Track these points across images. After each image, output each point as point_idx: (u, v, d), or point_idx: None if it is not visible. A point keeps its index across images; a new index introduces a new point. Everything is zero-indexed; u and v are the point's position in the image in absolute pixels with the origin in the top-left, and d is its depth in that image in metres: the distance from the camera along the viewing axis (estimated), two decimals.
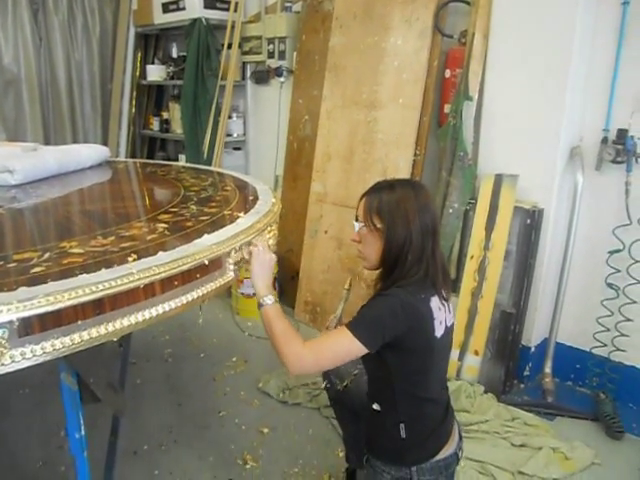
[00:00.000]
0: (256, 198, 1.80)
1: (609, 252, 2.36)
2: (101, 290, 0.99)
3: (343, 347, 1.26)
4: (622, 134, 2.26)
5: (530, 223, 2.41)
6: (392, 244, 1.34)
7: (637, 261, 2.29)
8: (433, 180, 2.76)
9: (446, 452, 1.40)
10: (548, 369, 2.56)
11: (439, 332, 1.33)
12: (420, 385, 1.33)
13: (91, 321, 0.99)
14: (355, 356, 1.28)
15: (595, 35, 2.32)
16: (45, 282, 0.97)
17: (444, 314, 1.37)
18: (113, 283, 1.01)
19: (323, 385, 1.79)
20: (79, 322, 0.97)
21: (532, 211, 2.41)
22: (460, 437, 1.48)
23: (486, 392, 2.45)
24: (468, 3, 2.56)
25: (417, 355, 1.30)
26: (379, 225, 1.36)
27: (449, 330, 1.40)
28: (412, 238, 1.32)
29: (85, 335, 0.98)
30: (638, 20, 2.20)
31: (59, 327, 0.95)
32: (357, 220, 1.42)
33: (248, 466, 2.05)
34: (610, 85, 2.30)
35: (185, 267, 1.15)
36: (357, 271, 2.95)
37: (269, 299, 1.41)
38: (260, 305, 1.41)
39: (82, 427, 1.27)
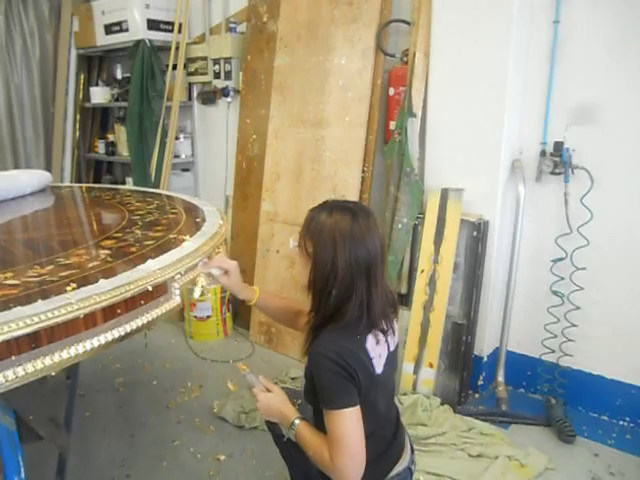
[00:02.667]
0: (203, 220, 1.77)
1: (553, 260, 2.45)
2: (37, 323, 0.94)
3: (349, 424, 1.20)
4: (558, 146, 2.36)
5: (476, 235, 2.47)
6: (317, 273, 1.27)
7: (579, 268, 2.37)
8: (382, 196, 2.80)
9: (399, 468, 1.39)
10: (501, 378, 2.61)
11: (379, 368, 1.30)
12: (368, 418, 1.27)
13: (26, 356, 0.94)
14: (360, 417, 1.22)
15: (529, 52, 2.42)
16: None
17: (384, 345, 1.32)
18: (50, 315, 0.96)
19: (266, 425, 1.64)
20: (13, 357, 0.92)
21: (478, 223, 2.47)
22: (412, 450, 1.48)
23: (442, 404, 2.47)
24: (408, 23, 2.63)
25: (362, 395, 1.24)
26: (309, 249, 1.29)
27: (392, 354, 1.37)
28: (337, 273, 1.23)
29: (20, 371, 0.93)
30: (569, 38, 2.31)
31: None
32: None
33: None
34: (545, 100, 2.40)
35: (128, 294, 1.11)
36: None
37: (293, 425, 1.33)
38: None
39: (22, 470, 1.20)
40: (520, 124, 2.49)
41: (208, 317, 3.30)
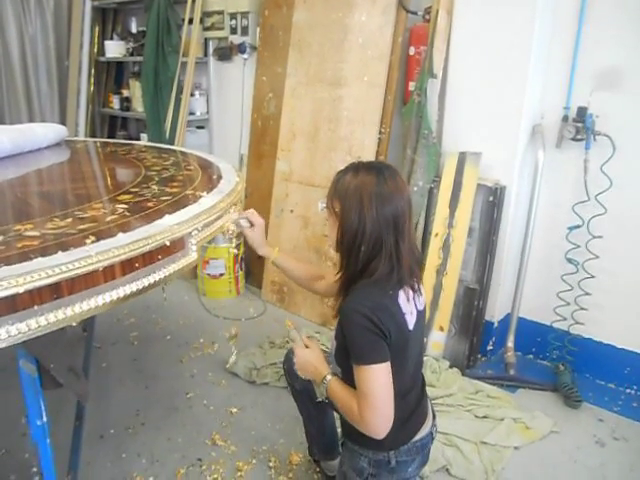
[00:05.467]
0: (219, 177, 1.77)
1: (569, 228, 2.42)
2: (58, 274, 0.96)
3: (378, 380, 1.23)
4: (582, 112, 2.30)
5: (493, 200, 2.45)
6: (345, 231, 1.30)
7: (595, 237, 2.35)
8: (398, 158, 2.77)
9: (422, 432, 1.42)
10: (510, 343, 2.63)
11: (411, 324, 1.32)
12: (397, 375, 1.29)
13: (48, 306, 0.96)
14: (390, 374, 1.25)
15: (556, 14, 2.34)
16: None
17: (413, 303, 1.34)
18: (70, 266, 0.98)
19: (286, 379, 1.76)
20: (35, 307, 0.94)
21: (494, 188, 2.45)
22: (434, 416, 1.51)
23: (451, 367, 2.50)
24: None
25: (394, 351, 1.26)
26: (337, 209, 1.32)
27: (421, 314, 1.39)
28: (365, 228, 1.26)
29: (42, 320, 0.95)
30: (598, 0, 2.23)
31: (14, 313, 0.92)
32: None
33: (217, 446, 2.05)
34: (571, 63, 2.33)
35: (146, 249, 1.12)
36: (323, 250, 2.95)
37: (325, 380, 1.38)
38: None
39: (44, 414, 1.24)
40: (543, 88, 2.43)
41: (221, 275, 3.33)
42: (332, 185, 1.36)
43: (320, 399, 1.43)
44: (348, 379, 1.32)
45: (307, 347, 1.47)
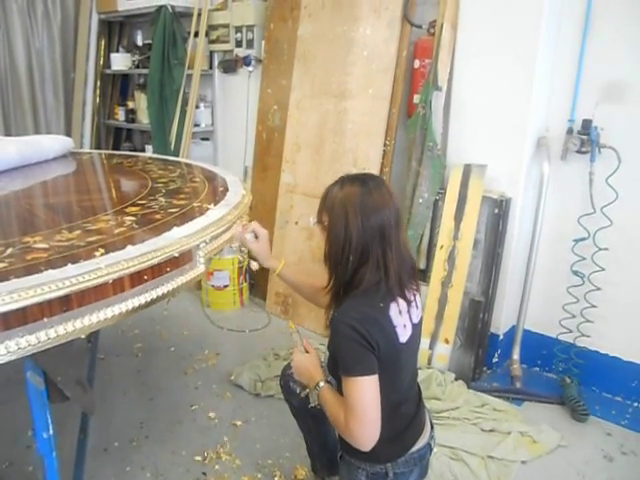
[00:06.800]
0: (226, 189, 1.78)
1: (574, 240, 2.42)
2: (68, 286, 0.96)
3: (365, 392, 1.22)
4: (587, 125, 2.31)
5: (498, 212, 2.45)
6: (332, 243, 1.32)
7: (601, 249, 2.35)
8: (403, 170, 2.78)
9: (419, 444, 1.41)
10: (516, 356, 2.61)
11: (404, 337, 1.31)
12: (391, 388, 1.29)
13: (58, 318, 0.97)
14: (377, 387, 1.24)
15: (561, 27, 2.35)
16: (8, 279, 0.94)
17: (407, 315, 1.33)
18: (80, 279, 0.98)
19: (284, 396, 1.75)
20: (45, 320, 0.94)
21: (500, 200, 2.45)
22: (432, 427, 1.50)
23: (456, 379, 2.49)
24: None
25: (385, 364, 1.26)
26: (325, 223, 1.35)
27: (416, 326, 1.38)
28: (352, 240, 1.27)
29: (52, 333, 0.96)
30: (603, 13, 2.24)
31: (24, 325, 0.92)
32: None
33: (221, 460, 2.03)
34: (575, 76, 2.34)
35: (155, 261, 1.13)
36: None
37: (318, 387, 1.39)
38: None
39: (50, 427, 1.24)
40: (548, 100, 2.44)
41: (225, 286, 3.33)
42: (321, 200, 1.38)
43: (313, 405, 1.43)
44: (341, 390, 1.32)
45: (307, 352, 1.48)
